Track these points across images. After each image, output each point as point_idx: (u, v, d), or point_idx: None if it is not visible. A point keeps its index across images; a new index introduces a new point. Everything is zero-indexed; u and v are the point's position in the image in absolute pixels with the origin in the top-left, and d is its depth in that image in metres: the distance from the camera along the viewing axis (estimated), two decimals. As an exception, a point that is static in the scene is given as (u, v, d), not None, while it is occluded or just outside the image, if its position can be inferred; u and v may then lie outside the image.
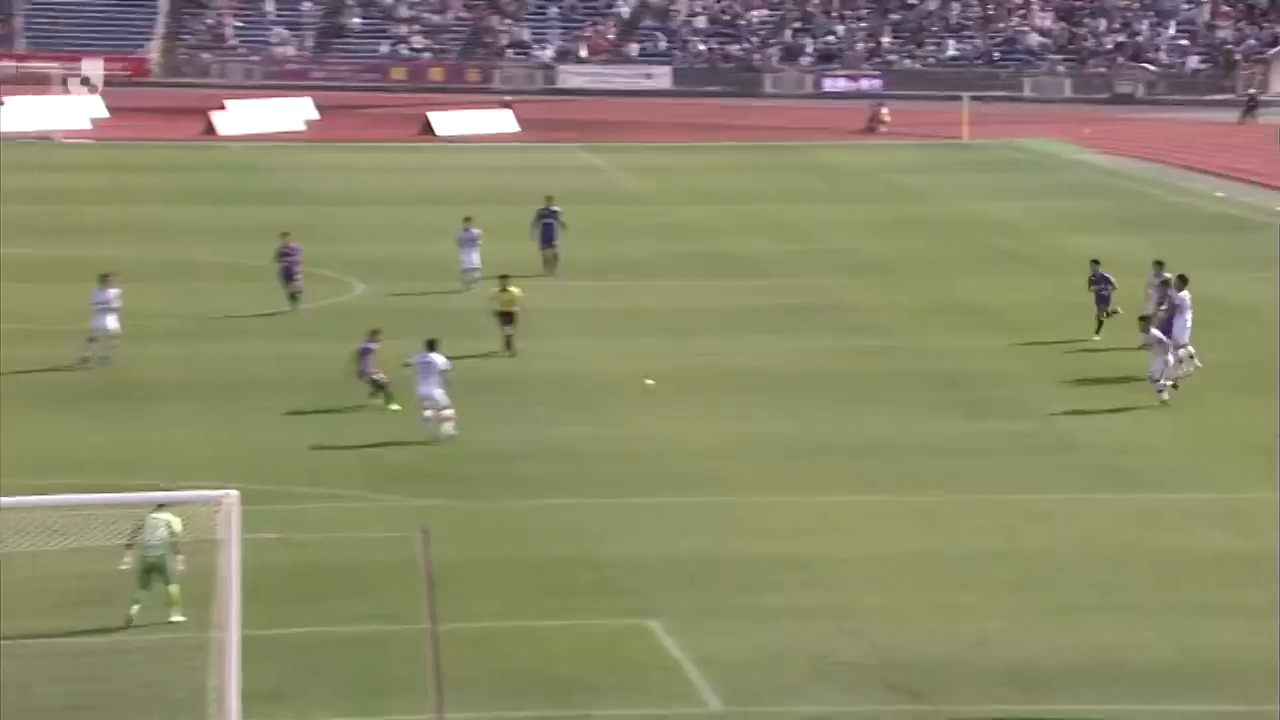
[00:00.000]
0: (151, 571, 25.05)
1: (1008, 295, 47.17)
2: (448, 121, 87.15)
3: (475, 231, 48.86)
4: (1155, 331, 38.66)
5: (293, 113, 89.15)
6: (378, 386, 37.09)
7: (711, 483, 33.18)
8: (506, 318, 41.77)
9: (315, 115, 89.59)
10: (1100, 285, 43.76)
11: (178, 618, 25.07)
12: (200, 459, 33.99)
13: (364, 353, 37.41)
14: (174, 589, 25.09)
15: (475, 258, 48.55)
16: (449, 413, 34.92)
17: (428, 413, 34.98)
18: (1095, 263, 44.48)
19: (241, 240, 56.22)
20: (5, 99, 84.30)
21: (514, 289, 42.04)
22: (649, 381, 36.06)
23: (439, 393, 34.83)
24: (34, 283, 50.00)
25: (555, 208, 51.33)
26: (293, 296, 45.62)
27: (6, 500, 26.31)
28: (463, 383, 36.77)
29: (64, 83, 79.95)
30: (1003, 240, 59.65)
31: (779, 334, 45.51)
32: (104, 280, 40.74)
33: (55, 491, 27.96)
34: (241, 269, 52.03)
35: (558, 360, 41.67)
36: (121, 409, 37.76)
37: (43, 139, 77.07)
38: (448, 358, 35.56)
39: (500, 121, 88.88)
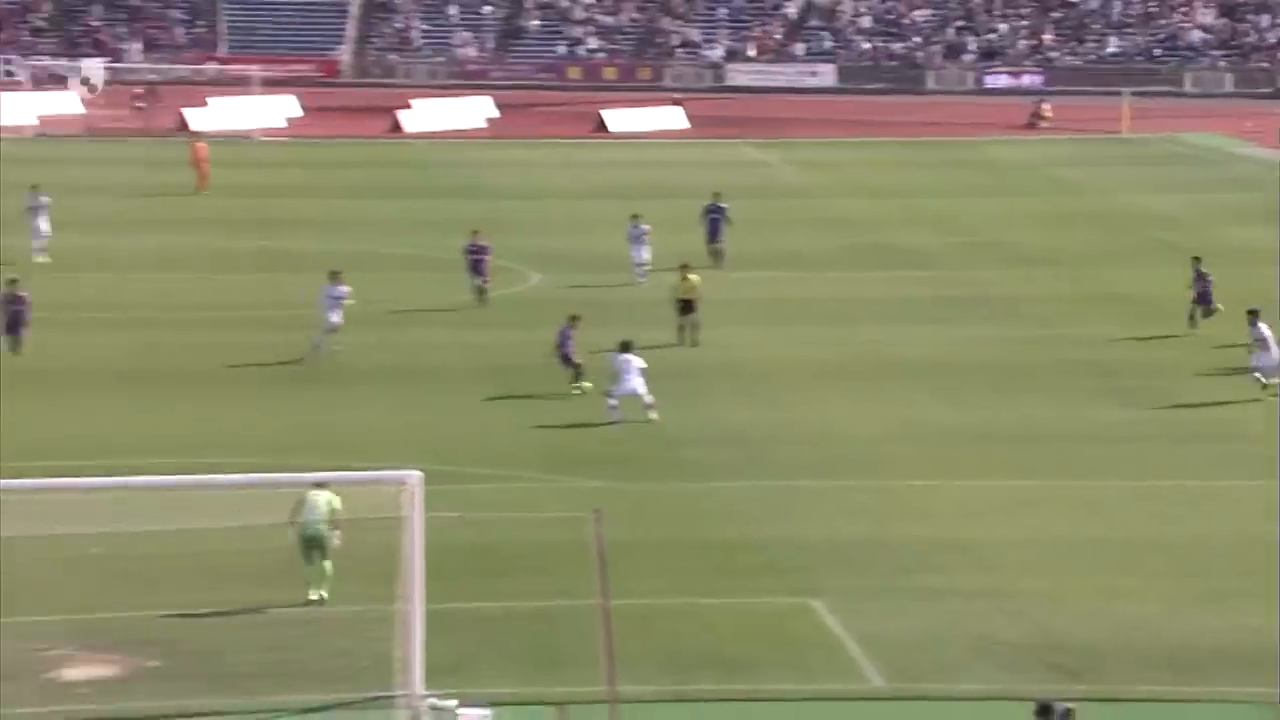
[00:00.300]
0: (312, 547, 25.24)
1: (1166, 286, 46.35)
2: (620, 119, 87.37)
3: (644, 227, 48.84)
4: (1262, 326, 37.65)
5: (474, 111, 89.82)
6: (573, 367, 37.24)
7: (874, 467, 32.96)
8: (686, 306, 41.52)
9: (495, 113, 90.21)
10: (1201, 282, 42.70)
11: (323, 593, 25.19)
12: (387, 441, 34.34)
13: (564, 337, 37.54)
14: (328, 565, 25.25)
15: (645, 253, 48.56)
16: (650, 399, 35.06)
17: (614, 401, 35.09)
18: (1196, 260, 43.45)
19: (426, 233, 56.74)
20: (209, 100, 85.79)
21: (694, 277, 41.86)
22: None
23: (641, 387, 35.03)
24: (232, 273, 50.79)
25: (722, 204, 51.21)
26: (480, 292, 45.60)
27: (205, 479, 26.78)
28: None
29: (260, 84, 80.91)
30: (1162, 233, 58.63)
31: (940, 324, 45.07)
32: (334, 277, 40.56)
33: (254, 470, 28.50)
34: (425, 260, 52.50)
35: (725, 349, 41.58)
36: (315, 393, 38.25)
37: (242, 138, 78.24)
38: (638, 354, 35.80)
39: (670, 119, 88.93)
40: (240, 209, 61.34)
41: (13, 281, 39.84)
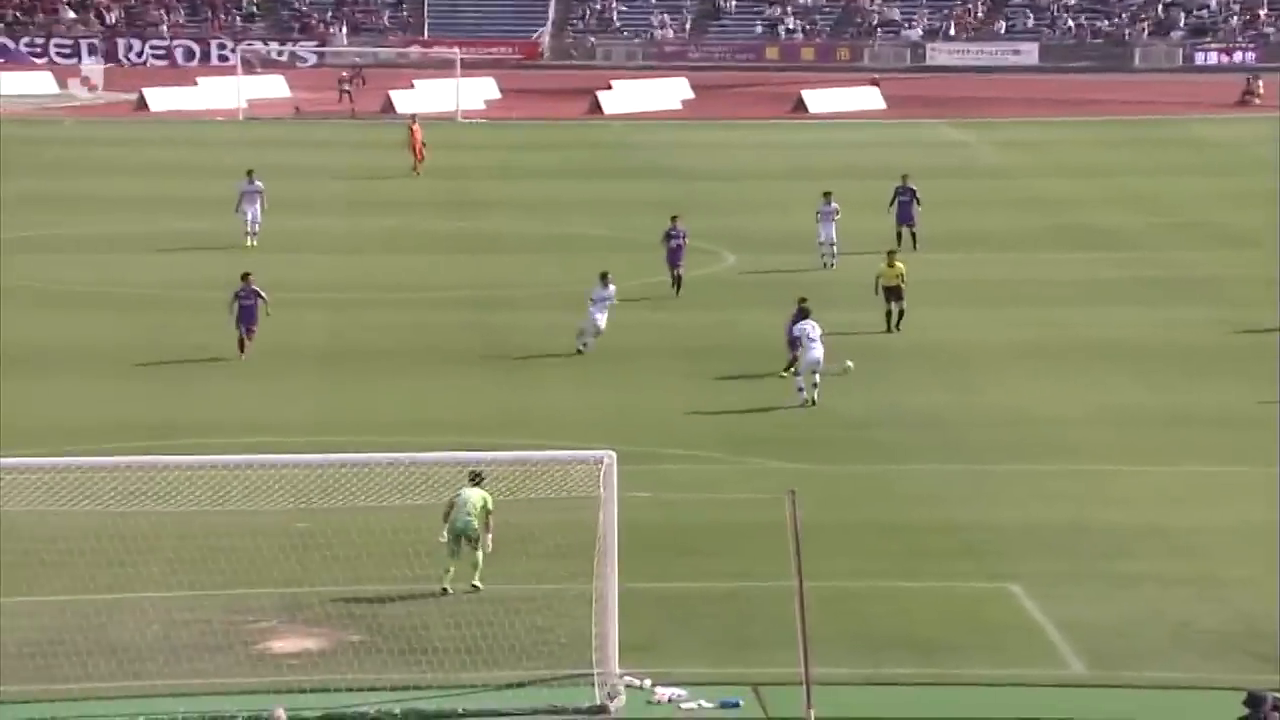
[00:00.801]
0: (461, 541, 25.47)
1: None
2: (819, 99, 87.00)
3: (834, 206, 48.48)
4: None
5: (672, 92, 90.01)
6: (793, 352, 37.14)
7: (1072, 451, 32.57)
8: (892, 292, 41.10)
9: (690, 95, 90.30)
10: None
11: (477, 584, 25.41)
12: (580, 421, 34.62)
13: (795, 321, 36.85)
14: (479, 555, 25.46)
15: (833, 232, 48.15)
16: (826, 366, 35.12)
17: (799, 382, 35.06)
18: None
19: (622, 214, 57.03)
20: (415, 82, 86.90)
21: (900, 264, 41.43)
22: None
23: (819, 353, 34.93)
24: (434, 254, 51.44)
25: (912, 185, 50.74)
26: (676, 280, 44.61)
27: (401, 457, 27.22)
28: (829, 353, 36.77)
29: (459, 66, 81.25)
30: (1375, 213, 57.09)
31: (1141, 305, 44.37)
32: (604, 279, 39.80)
33: (450, 449, 28.92)
34: (621, 241, 52.76)
35: (921, 330, 41.29)
36: (507, 372, 38.67)
37: (445, 119, 79.12)
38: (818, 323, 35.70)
39: (868, 99, 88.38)
40: (445, 190, 62.10)
41: (246, 275, 38.79)
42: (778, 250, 50.86)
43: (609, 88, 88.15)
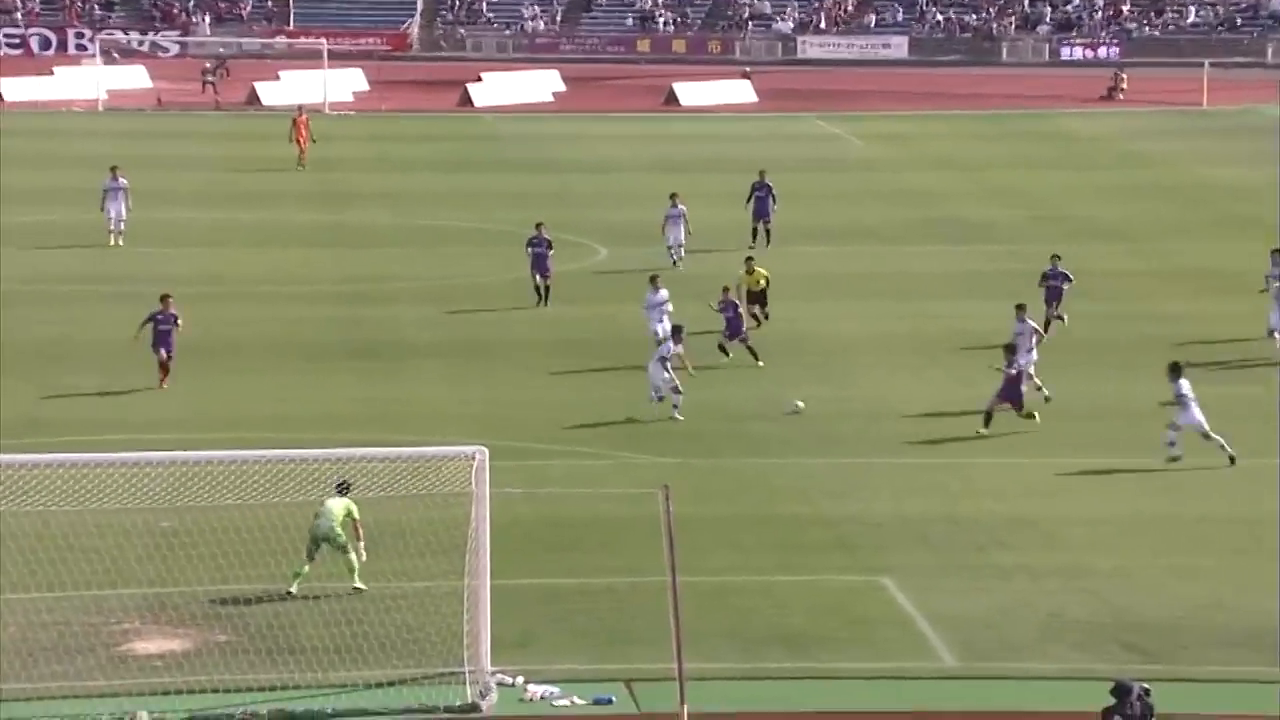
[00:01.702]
0: (318, 545, 25.30)
1: (1242, 261, 45.89)
2: (691, 92, 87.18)
3: (681, 208, 47.92)
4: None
5: (542, 84, 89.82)
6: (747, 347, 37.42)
7: (942, 444, 32.80)
8: (758, 298, 40.49)
9: (562, 87, 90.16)
10: None
11: (359, 585, 25.28)
12: (452, 415, 34.43)
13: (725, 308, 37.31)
14: (352, 559, 25.32)
15: (680, 234, 47.53)
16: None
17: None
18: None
19: (491, 206, 56.83)
20: (281, 73, 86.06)
21: (760, 270, 41.24)
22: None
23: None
24: (303, 247, 50.94)
25: (769, 181, 50.66)
26: (542, 291, 42.91)
27: (274, 454, 26.84)
28: (698, 347, 36.84)
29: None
30: (1239, 206, 58.07)
31: (1008, 298, 44.77)
32: (654, 282, 38.60)
33: (320, 445, 28.63)
34: (490, 234, 52.55)
35: (788, 323, 41.42)
36: (378, 367, 38.38)
37: (313, 111, 78.34)
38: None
39: (740, 92, 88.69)
40: (314, 183, 61.57)
41: (165, 298, 36.13)
42: (648, 243, 50.84)
43: (479, 80, 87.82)
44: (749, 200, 50.57)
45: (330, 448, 28.08)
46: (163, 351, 35.78)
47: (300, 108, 67.69)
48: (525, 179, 62.13)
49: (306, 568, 25.19)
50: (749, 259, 41.93)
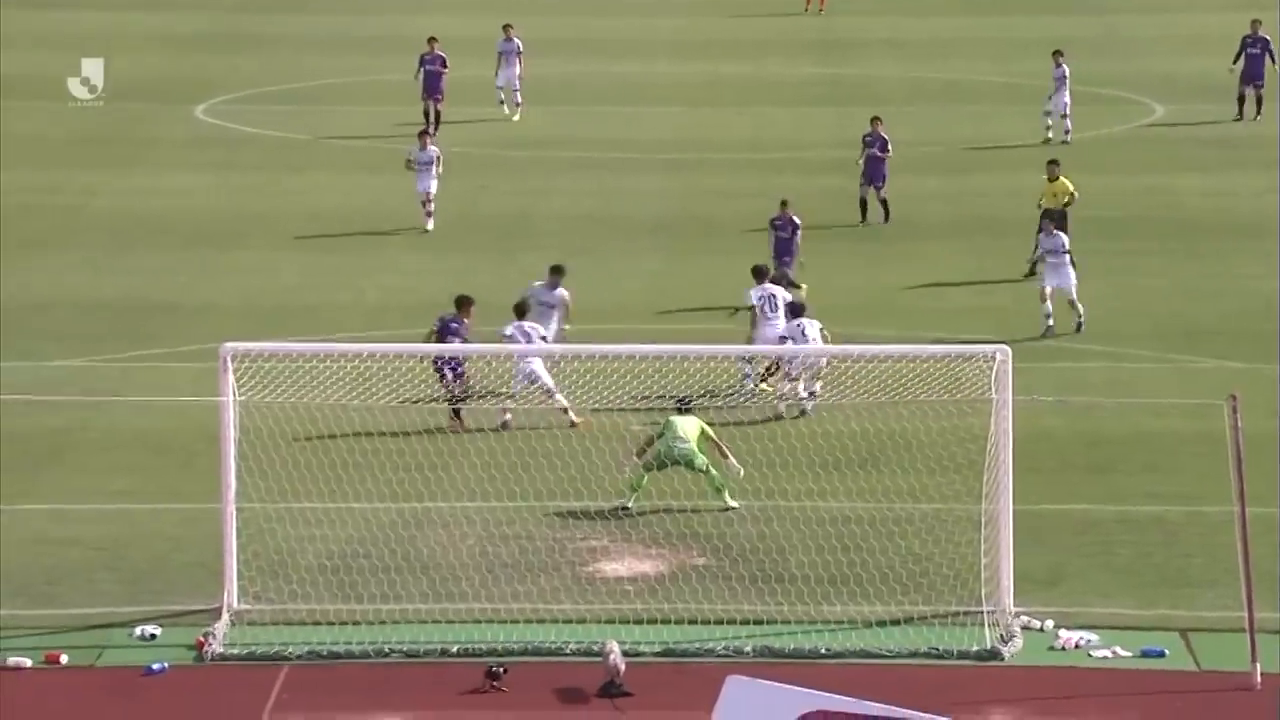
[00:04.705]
0: (665, 466, 25.59)
1: None
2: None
3: (1065, 70, 46.21)
4: None
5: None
6: None
7: None
8: (1056, 218, 36.17)
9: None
10: None
11: (733, 503, 25.51)
12: (967, 307, 34.42)
13: None
14: (716, 475, 25.53)
15: (1065, 101, 45.86)
16: None
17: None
18: None
19: (1016, 56, 56.25)
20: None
21: (1065, 179, 37.83)
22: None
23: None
24: (794, 105, 51.39)
25: (1265, 35, 48.06)
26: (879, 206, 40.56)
27: (754, 349, 27.38)
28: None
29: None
30: None
31: None
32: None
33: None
34: (1016, 90, 52.04)
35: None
36: (881, 250, 38.55)
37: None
38: None
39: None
40: (807, 29, 61.97)
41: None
42: (1220, 99, 49.52)
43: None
44: (1238, 57, 48.25)
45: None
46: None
47: None
48: (1058, 21, 61.23)
49: (645, 480, 25.64)
50: (1052, 162, 37.63)
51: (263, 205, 42.14)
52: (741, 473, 25.71)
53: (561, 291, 30.54)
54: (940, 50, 58.25)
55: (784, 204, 35.45)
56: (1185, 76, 50.79)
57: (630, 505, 25.62)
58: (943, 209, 41.41)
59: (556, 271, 30.83)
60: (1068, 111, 46.49)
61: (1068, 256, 33.24)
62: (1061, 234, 33.79)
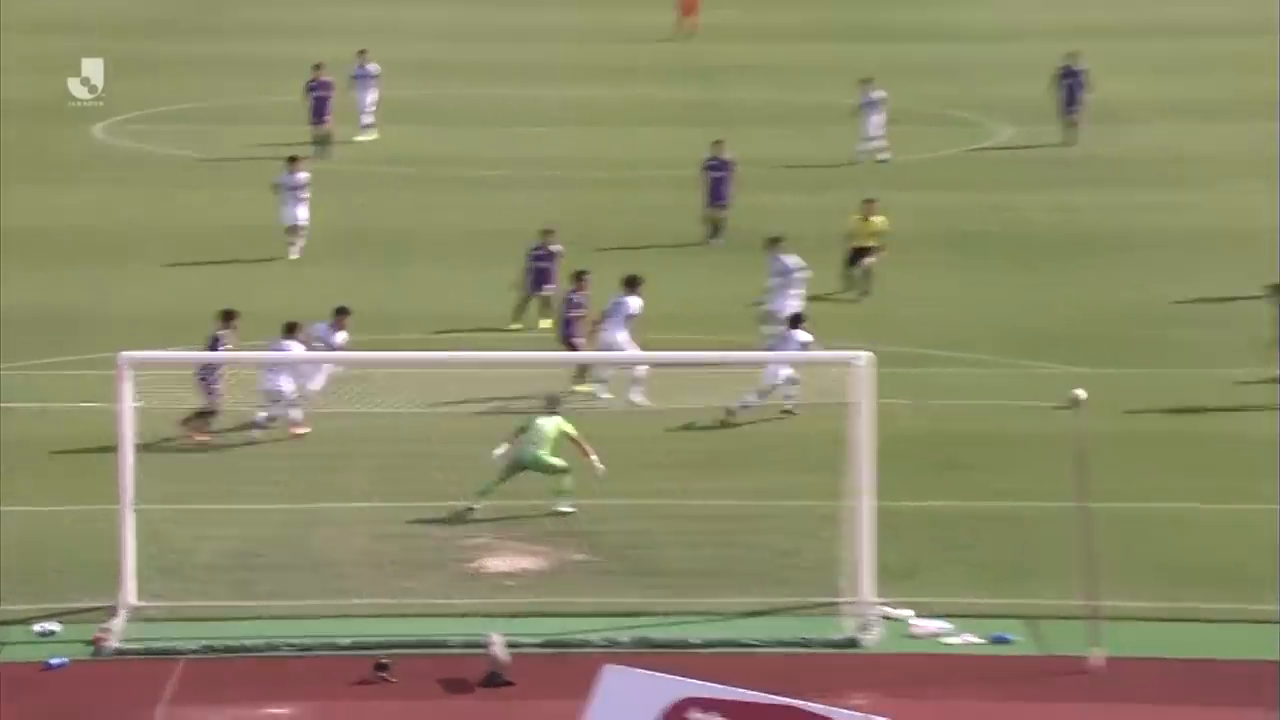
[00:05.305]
0: (516, 471, 25.43)
1: None
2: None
3: (875, 95, 46.65)
4: None
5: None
6: None
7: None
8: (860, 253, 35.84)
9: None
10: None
11: (565, 509, 25.36)
12: (830, 315, 34.53)
13: None
14: (564, 480, 25.40)
15: (878, 124, 46.14)
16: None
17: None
18: None
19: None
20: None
21: (877, 217, 36.51)
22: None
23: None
24: (665, 126, 51.40)
25: (1080, 66, 48.05)
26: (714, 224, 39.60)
27: (629, 356, 27.39)
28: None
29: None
30: None
31: None
32: None
33: (688, 347, 29.03)
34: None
35: (1202, 212, 40.56)
36: (749, 261, 38.62)
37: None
38: None
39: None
40: (679, 54, 62.00)
41: (547, 232, 34.51)
42: (1053, 120, 50.02)
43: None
44: (1056, 85, 48.43)
45: (698, 349, 28.61)
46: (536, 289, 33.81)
47: None
48: (915, 49, 61.57)
49: (496, 488, 25.39)
50: (867, 200, 37.07)
51: (157, 220, 41.77)
52: (604, 473, 25.57)
53: (343, 334, 29.13)
54: (800, 75, 58.43)
55: (546, 232, 34.48)
56: (1026, 101, 51.21)
57: (477, 508, 25.31)
58: (802, 224, 41.47)
59: (342, 312, 29.46)
60: (882, 133, 46.49)
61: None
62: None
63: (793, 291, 32.35)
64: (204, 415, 27.79)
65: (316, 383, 28.43)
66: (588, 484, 25.66)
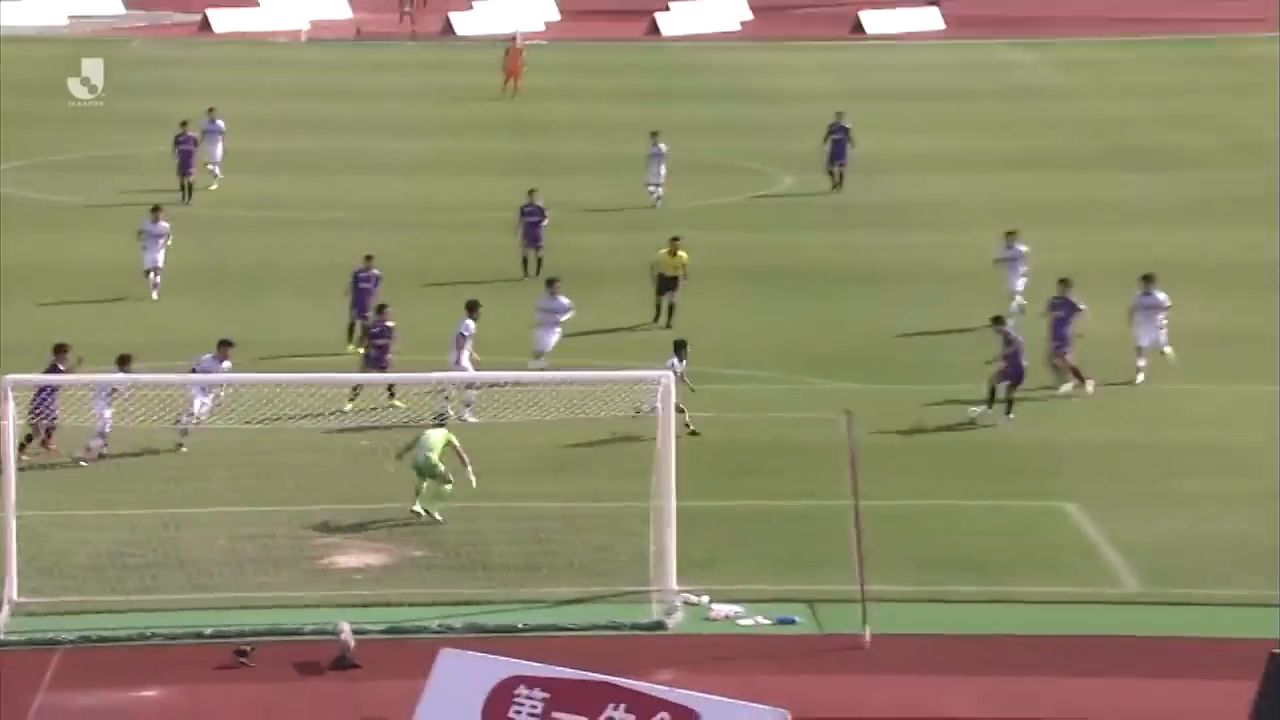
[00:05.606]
0: (422, 476, 25.40)
1: None
2: (876, 20, 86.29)
3: (662, 147, 46.44)
4: None
5: (729, 12, 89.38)
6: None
7: (1129, 371, 32.37)
8: (669, 284, 35.61)
9: (748, 15, 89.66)
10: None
11: (437, 516, 25.21)
12: (639, 341, 34.67)
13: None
14: (448, 488, 25.32)
15: (661, 172, 46.25)
16: None
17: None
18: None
19: (681, 135, 56.77)
20: (474, 3, 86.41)
21: (682, 253, 35.90)
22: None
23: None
24: (493, 175, 51.36)
25: (846, 124, 49.11)
26: (532, 263, 39.12)
27: (472, 375, 27.30)
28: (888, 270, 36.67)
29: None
30: None
31: (1202, 225, 44.06)
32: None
33: (512, 369, 28.99)
34: (683, 163, 52.48)
35: (967, 250, 41.07)
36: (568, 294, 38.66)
37: (508, 39, 78.83)
38: None
39: (927, 20, 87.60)
40: (498, 112, 61.99)
41: (368, 258, 34.15)
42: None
43: (667, 9, 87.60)
44: (826, 140, 48.87)
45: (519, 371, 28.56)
46: (356, 313, 33.91)
47: (515, 36, 68.10)
48: (711, 108, 61.99)
49: (422, 489, 25.36)
50: (674, 239, 36.27)
51: (41, 259, 41.04)
52: (474, 483, 25.42)
53: (226, 364, 28.62)
54: (610, 131, 58.62)
55: (368, 258, 34.67)
56: (806, 153, 51.76)
57: (417, 507, 25.17)
58: (609, 260, 41.57)
59: (225, 344, 28.84)
60: (662, 181, 46.65)
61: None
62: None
63: (557, 329, 32.43)
64: (47, 433, 27.21)
65: (204, 407, 27.98)
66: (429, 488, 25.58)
